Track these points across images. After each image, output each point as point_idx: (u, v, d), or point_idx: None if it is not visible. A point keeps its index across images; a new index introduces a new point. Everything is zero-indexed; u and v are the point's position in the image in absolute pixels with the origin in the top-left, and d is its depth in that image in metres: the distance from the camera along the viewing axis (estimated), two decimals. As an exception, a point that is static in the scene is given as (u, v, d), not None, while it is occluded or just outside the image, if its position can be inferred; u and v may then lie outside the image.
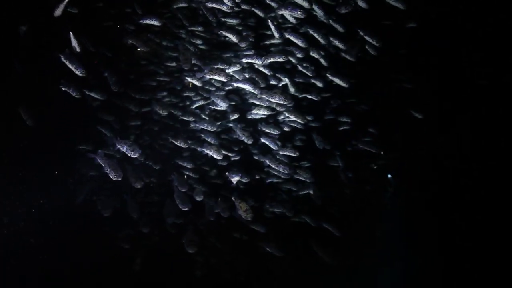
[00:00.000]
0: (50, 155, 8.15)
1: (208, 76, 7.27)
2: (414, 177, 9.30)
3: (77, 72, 6.23)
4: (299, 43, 7.25)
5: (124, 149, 6.36)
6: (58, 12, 7.06)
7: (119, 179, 6.22)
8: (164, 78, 8.55)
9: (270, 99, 7.20)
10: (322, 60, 7.65)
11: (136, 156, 6.33)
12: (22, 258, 8.01)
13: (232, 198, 6.94)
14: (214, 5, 7.04)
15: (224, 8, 6.95)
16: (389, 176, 9.93)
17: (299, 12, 6.40)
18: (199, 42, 8.26)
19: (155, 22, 7.37)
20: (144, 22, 7.39)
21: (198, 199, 7.40)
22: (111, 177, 6.20)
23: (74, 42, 6.57)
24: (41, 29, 7.65)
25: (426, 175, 9.19)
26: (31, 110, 7.13)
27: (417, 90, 8.81)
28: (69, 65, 6.24)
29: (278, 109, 7.59)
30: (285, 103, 7.20)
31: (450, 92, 8.84)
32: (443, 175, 9.04)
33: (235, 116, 8.04)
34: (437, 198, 9.06)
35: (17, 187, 8.05)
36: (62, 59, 6.22)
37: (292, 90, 7.97)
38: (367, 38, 7.36)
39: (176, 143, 7.49)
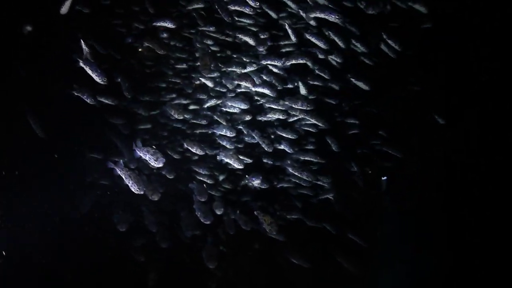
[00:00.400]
0: (53, 159, 7.64)
1: (236, 82, 6.93)
2: (424, 179, 9.21)
3: (99, 80, 5.70)
4: (321, 44, 7.03)
5: (147, 158, 5.86)
6: (64, 9, 6.64)
7: (142, 192, 5.79)
8: (175, 80, 8.18)
9: (293, 105, 6.98)
10: (335, 63, 7.46)
11: (160, 165, 5.84)
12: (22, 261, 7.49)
13: (255, 212, 6.64)
14: (237, 8, 6.68)
15: (247, 11, 6.62)
16: (383, 178, 9.85)
17: (337, 16, 6.14)
18: (210, 42, 7.93)
19: (169, 25, 7.03)
20: (158, 24, 7.03)
21: (218, 212, 6.92)
22: (133, 190, 5.76)
23: (85, 50, 6.10)
24: (43, 29, 7.16)
25: (437, 176, 9.11)
26: (40, 120, 6.59)
27: (429, 91, 8.70)
28: (90, 72, 5.69)
29: (301, 115, 7.34)
30: (308, 108, 7.02)
31: (457, 87, 8.74)
32: (451, 170, 8.97)
33: (247, 118, 7.78)
34: (446, 194, 8.99)
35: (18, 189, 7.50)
36: (82, 65, 5.69)
37: (304, 92, 7.76)
38: (389, 41, 7.18)
39: (192, 149, 7.12)
